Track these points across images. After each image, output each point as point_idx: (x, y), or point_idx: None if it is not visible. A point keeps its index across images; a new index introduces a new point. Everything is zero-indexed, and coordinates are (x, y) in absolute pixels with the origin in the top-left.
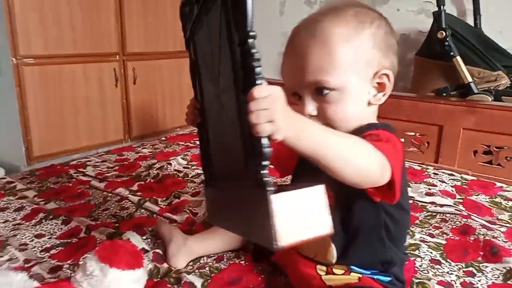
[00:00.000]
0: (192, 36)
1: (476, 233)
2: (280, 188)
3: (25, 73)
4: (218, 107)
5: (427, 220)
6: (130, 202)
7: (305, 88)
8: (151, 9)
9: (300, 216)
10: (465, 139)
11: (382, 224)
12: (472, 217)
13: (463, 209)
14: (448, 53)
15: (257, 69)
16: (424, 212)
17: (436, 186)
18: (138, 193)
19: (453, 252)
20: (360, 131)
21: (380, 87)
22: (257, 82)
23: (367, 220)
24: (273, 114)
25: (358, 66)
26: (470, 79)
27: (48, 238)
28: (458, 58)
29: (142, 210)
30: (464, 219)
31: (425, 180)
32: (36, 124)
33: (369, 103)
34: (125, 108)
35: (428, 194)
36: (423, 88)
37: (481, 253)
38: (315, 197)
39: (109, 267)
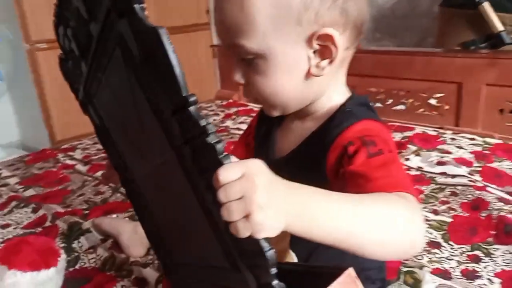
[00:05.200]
0: (89, 97)
1: (490, 208)
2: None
3: (39, 58)
4: (159, 179)
5: (433, 195)
6: (107, 186)
7: (229, 50)
8: None
9: None
10: (489, 97)
11: None
12: (488, 188)
13: (479, 179)
14: None
15: (218, 146)
16: (432, 185)
17: (450, 153)
18: None
19: (458, 232)
20: (336, 121)
21: (324, 51)
22: (221, 160)
23: None
24: (251, 204)
25: (282, 25)
26: (501, 28)
27: (14, 228)
28: (486, 4)
29: (118, 195)
30: (477, 192)
31: (438, 147)
32: (55, 109)
33: (310, 74)
34: None
35: (440, 163)
36: (449, 43)
37: (493, 233)
38: (350, 283)
39: (6, 269)
